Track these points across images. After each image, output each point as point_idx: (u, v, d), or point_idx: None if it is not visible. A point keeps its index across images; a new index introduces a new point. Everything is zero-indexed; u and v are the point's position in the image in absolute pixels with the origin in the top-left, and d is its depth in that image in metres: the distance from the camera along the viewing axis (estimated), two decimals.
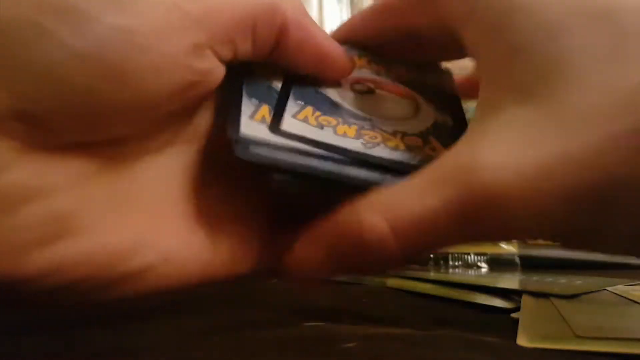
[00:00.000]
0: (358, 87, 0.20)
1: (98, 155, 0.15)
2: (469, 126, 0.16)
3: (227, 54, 0.16)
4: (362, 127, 0.18)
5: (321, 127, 0.17)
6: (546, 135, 0.14)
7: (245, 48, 0.16)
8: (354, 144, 0.17)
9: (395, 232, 0.15)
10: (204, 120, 0.18)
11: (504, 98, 0.15)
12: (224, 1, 0.15)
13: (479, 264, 0.41)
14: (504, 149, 0.14)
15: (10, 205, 0.13)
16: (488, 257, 0.41)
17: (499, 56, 0.16)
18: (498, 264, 0.40)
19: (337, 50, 0.19)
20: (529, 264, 0.40)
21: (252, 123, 0.16)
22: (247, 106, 0.17)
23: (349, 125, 0.17)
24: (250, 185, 0.18)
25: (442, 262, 0.41)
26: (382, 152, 0.17)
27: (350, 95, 0.19)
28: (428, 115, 0.20)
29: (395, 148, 0.17)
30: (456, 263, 0.41)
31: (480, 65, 0.17)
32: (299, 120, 0.17)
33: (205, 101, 0.18)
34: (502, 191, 0.14)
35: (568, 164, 0.13)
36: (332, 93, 0.19)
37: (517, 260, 0.40)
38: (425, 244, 0.15)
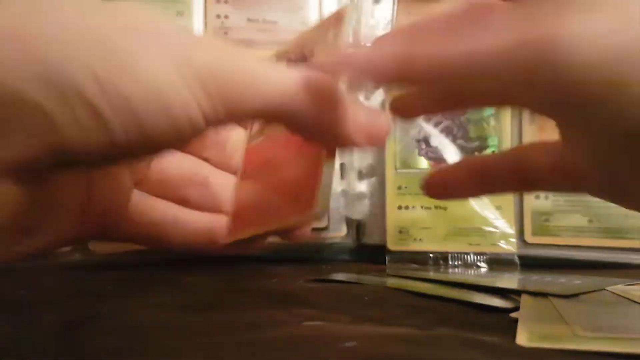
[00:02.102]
0: None
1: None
2: None
3: None
4: None
5: None
6: None
7: None
8: None
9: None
10: None
11: None
12: None
13: (478, 263, 0.41)
14: (593, 12, 0.14)
15: None
16: (487, 256, 0.41)
17: None
18: (497, 263, 0.40)
19: None
20: (528, 264, 0.40)
21: None
22: None
23: None
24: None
25: (441, 261, 0.41)
26: None
27: None
28: None
29: None
30: (455, 263, 0.41)
31: None
32: None
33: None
34: (576, 43, 0.14)
35: None
36: None
37: (516, 260, 0.40)
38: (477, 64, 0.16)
